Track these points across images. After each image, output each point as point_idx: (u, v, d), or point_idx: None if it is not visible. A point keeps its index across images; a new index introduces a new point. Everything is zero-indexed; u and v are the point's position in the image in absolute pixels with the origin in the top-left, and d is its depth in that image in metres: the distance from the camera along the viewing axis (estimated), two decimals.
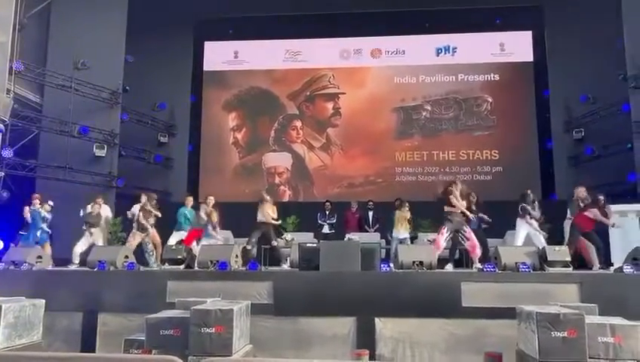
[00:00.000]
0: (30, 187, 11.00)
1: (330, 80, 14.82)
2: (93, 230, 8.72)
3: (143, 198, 8.94)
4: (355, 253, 6.57)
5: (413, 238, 9.81)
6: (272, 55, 15.01)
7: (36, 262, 7.37)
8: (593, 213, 7.75)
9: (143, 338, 5.00)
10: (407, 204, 9.73)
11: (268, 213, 8.59)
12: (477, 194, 8.86)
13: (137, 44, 12.86)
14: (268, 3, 13.89)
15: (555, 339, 4.36)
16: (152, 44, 13.54)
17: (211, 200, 9.00)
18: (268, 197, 8.82)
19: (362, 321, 6.07)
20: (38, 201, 9.02)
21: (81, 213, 8.94)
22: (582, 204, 7.89)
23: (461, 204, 7.67)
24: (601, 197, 7.91)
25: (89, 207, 8.97)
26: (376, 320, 6.04)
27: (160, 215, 8.77)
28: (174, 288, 6.40)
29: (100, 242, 8.77)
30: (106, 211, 9.38)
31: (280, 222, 9.17)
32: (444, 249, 7.74)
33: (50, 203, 9.18)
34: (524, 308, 4.82)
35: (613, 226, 7.96)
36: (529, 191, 8.25)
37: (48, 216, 9.03)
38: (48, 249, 8.77)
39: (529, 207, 8.04)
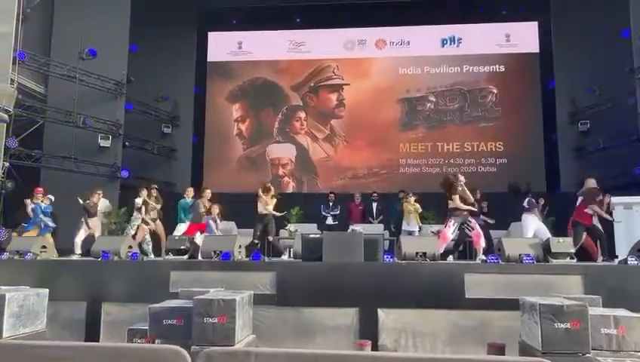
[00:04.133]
0: (35, 178, 11.03)
1: (334, 71, 14.75)
2: (91, 220, 8.77)
3: (144, 192, 8.98)
4: (358, 243, 6.55)
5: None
6: (276, 46, 14.95)
7: (40, 252, 7.41)
8: (592, 208, 7.74)
9: (147, 327, 5.03)
10: (412, 196, 9.76)
11: (266, 204, 8.34)
12: (479, 188, 8.82)
13: (141, 35, 12.81)
14: None
15: (558, 331, 4.35)
16: (156, 35, 13.49)
17: (207, 193, 8.90)
18: (263, 190, 8.43)
19: (365, 312, 6.07)
20: (40, 196, 9.08)
21: (80, 202, 8.95)
22: (580, 198, 7.89)
23: (464, 205, 7.56)
24: (605, 195, 7.94)
25: (88, 197, 9.00)
26: (379, 310, 6.04)
27: (159, 207, 8.79)
28: (177, 278, 6.42)
29: (98, 232, 8.81)
30: (104, 203, 9.40)
31: (284, 213, 9.10)
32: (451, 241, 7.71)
33: (51, 197, 9.21)
34: (528, 300, 4.81)
35: (613, 221, 7.99)
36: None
37: (45, 208, 9.05)
38: (50, 240, 8.80)
39: (534, 200, 8.04)
